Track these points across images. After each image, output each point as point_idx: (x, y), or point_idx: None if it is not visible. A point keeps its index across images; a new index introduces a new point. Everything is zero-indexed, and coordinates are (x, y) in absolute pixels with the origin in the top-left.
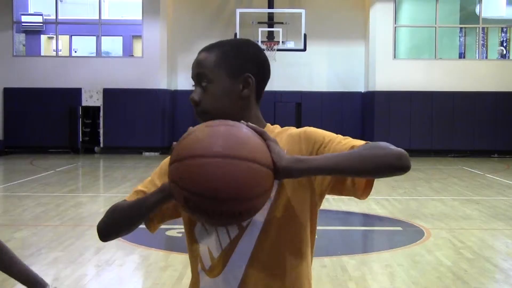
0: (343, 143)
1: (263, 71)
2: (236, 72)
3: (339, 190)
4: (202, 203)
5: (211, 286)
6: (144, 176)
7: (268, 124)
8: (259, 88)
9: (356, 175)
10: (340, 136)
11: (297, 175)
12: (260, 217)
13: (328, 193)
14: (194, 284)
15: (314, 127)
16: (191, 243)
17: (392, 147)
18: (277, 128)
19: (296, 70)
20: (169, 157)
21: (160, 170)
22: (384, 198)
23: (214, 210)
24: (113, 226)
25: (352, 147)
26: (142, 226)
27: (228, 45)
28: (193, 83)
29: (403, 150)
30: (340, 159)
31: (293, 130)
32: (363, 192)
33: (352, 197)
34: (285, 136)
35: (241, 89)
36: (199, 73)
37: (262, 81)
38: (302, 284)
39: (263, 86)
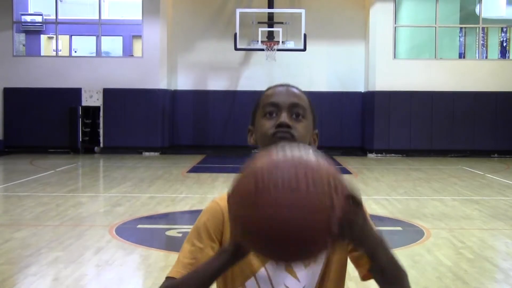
0: None
1: None
2: (314, 125)
3: (353, 258)
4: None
5: None
6: (144, 176)
7: None
8: None
9: (384, 270)
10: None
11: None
12: (310, 283)
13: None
14: None
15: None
16: None
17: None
18: None
19: (296, 70)
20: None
21: (198, 230)
22: (384, 198)
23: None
24: None
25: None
26: (144, 226)
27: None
28: (272, 109)
29: None
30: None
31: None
32: (364, 275)
33: None
34: None
35: (309, 142)
36: (297, 104)
37: None
38: None
39: None
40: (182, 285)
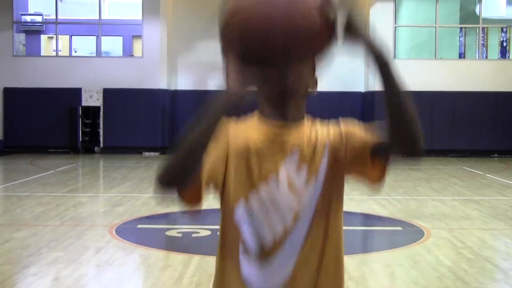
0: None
1: None
2: (313, 71)
3: (358, 166)
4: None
5: (259, 270)
6: (144, 176)
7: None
8: None
9: (394, 103)
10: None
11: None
12: (311, 202)
13: (348, 172)
14: (232, 271)
15: None
16: (229, 228)
17: None
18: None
19: None
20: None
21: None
22: (384, 198)
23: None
24: (183, 159)
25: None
26: (144, 226)
27: None
28: None
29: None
30: (400, 81)
31: (331, 124)
32: (376, 178)
33: (352, 198)
34: (326, 129)
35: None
36: None
37: None
38: (343, 273)
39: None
40: (188, 133)
